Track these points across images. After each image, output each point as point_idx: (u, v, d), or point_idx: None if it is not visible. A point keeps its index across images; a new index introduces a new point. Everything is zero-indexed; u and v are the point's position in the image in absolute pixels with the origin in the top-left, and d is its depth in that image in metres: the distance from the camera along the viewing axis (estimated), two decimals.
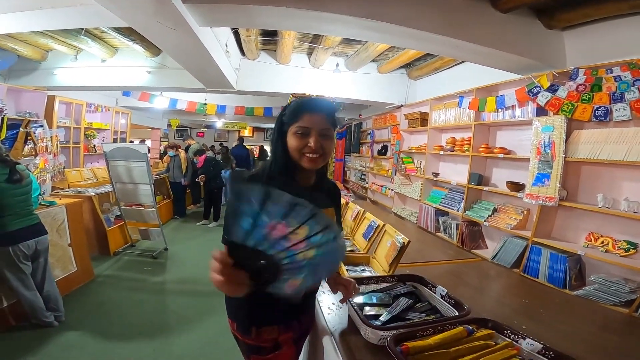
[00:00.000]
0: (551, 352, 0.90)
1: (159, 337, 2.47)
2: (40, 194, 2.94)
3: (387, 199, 5.10)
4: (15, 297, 2.37)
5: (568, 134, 2.31)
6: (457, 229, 3.24)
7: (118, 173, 4.01)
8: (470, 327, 1.05)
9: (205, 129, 13.20)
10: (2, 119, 3.64)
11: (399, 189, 4.50)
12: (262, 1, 1.92)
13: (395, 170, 4.66)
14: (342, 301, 1.17)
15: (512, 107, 2.81)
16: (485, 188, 3.02)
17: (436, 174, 3.81)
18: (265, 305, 1.03)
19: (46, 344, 2.28)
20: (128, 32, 3.22)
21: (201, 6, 1.95)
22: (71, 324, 2.54)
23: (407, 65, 4.38)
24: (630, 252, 1.97)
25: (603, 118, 2.13)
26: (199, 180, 5.78)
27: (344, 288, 1.13)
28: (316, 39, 3.65)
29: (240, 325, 1.07)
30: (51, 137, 3.89)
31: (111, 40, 3.94)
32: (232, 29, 3.39)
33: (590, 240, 2.20)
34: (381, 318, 1.23)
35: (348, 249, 2.19)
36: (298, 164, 0.98)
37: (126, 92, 6.02)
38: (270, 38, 3.72)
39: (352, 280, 1.16)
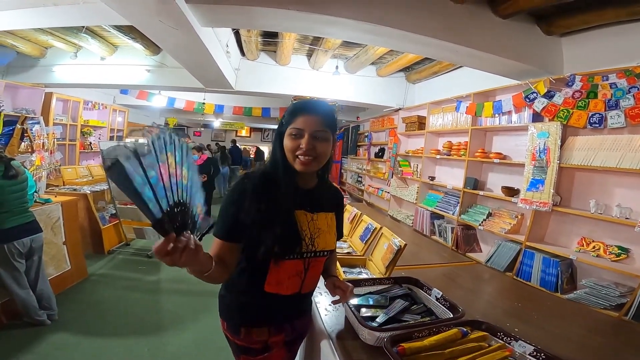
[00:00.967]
0: (542, 354, 0.92)
1: (153, 336, 2.46)
2: (35, 192, 2.93)
3: (383, 202, 5.13)
4: (8, 296, 2.35)
5: (563, 140, 2.34)
6: (452, 232, 3.27)
7: None
8: (465, 329, 1.07)
9: (203, 129, 13.16)
10: None
11: (395, 192, 4.53)
12: (264, 3, 1.94)
13: (392, 173, 4.68)
14: (334, 302, 1.16)
15: (509, 112, 2.84)
16: (481, 192, 3.05)
17: (432, 178, 3.84)
18: (256, 306, 1.03)
19: (39, 343, 2.26)
20: (129, 30, 3.22)
21: (204, 6, 1.96)
22: (64, 322, 2.53)
23: (405, 69, 4.41)
24: (621, 257, 2.01)
25: (598, 125, 2.16)
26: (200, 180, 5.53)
27: (342, 292, 1.13)
28: (316, 40, 3.67)
29: (230, 325, 1.07)
30: (48, 134, 3.86)
31: (111, 38, 3.93)
32: (233, 29, 3.40)
33: (582, 245, 2.24)
34: (377, 320, 1.25)
35: (345, 251, 2.21)
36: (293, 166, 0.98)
37: (124, 90, 5.99)
38: (270, 39, 3.73)
39: (351, 285, 1.16)
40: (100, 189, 4.29)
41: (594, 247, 2.17)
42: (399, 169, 4.46)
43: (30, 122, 3.84)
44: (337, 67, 4.15)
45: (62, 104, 5.03)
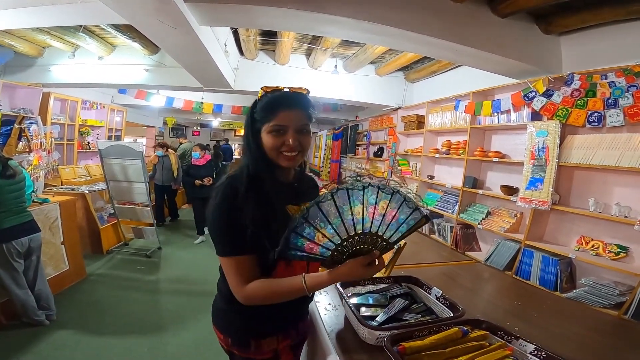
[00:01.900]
0: (543, 353, 0.92)
1: (152, 336, 2.46)
2: (33, 191, 2.91)
3: None
4: (7, 296, 2.34)
5: (562, 139, 2.34)
6: (451, 231, 3.27)
7: (113, 171, 3.98)
8: (465, 328, 1.07)
9: (201, 128, 13.14)
10: None
11: None
12: (263, 2, 1.93)
13: (391, 172, 4.68)
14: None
15: (508, 111, 2.84)
16: (480, 191, 3.05)
17: (431, 177, 3.84)
18: (264, 316, 0.98)
19: (37, 343, 2.26)
20: (127, 30, 3.20)
21: (202, 5, 1.95)
22: (63, 322, 2.52)
23: (404, 68, 4.41)
24: (620, 256, 2.01)
25: (596, 124, 2.16)
26: (205, 183, 4.75)
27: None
28: (315, 40, 3.66)
29: (237, 339, 1.01)
30: (45, 133, 3.85)
31: (109, 37, 3.91)
32: (232, 28, 3.39)
33: (582, 244, 2.24)
34: (377, 319, 1.25)
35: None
36: (275, 162, 0.94)
37: (122, 89, 5.96)
38: (269, 38, 3.72)
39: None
40: (98, 188, 4.28)
41: (593, 245, 2.17)
42: (398, 168, 4.46)
43: (28, 121, 3.82)
44: (335, 66, 4.14)
45: (59, 103, 5.01)
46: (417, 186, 4.00)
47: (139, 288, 3.28)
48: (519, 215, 2.73)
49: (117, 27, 3.12)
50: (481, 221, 2.94)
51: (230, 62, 3.82)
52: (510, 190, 2.72)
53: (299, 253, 0.84)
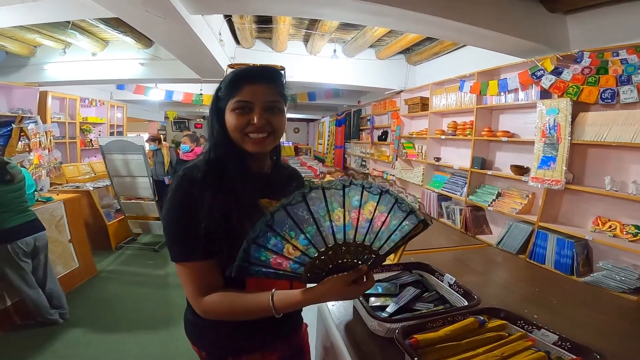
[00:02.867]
0: (568, 343, 0.87)
1: (163, 331, 2.47)
2: (36, 190, 2.90)
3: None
4: (19, 296, 2.36)
5: (574, 117, 2.24)
6: (460, 214, 3.21)
7: (115, 166, 3.96)
8: (482, 318, 1.01)
9: (204, 120, 13.05)
10: None
11: (400, 175, 4.46)
12: None
13: (396, 156, 4.61)
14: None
15: (515, 90, 2.74)
16: (489, 172, 2.97)
17: (438, 159, 3.76)
18: (240, 328, 0.82)
19: (52, 342, 2.28)
20: (117, 24, 3.11)
21: None
22: (76, 320, 2.54)
23: (406, 51, 4.27)
24: (638, 237, 1.94)
25: (610, 100, 2.07)
26: None
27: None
28: (312, 25, 3.54)
29: (211, 356, 0.89)
30: (45, 132, 3.82)
31: (100, 33, 3.82)
32: (225, 16, 3.28)
33: (598, 225, 2.16)
34: (388, 309, 1.20)
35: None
36: (241, 147, 0.80)
37: (120, 85, 5.90)
38: (265, 25, 3.61)
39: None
40: (103, 185, 4.28)
41: (610, 226, 2.10)
42: (403, 151, 4.38)
43: (27, 121, 3.79)
44: (334, 51, 4.03)
45: (58, 102, 4.97)
46: (423, 169, 3.92)
47: (149, 283, 3.30)
48: (530, 196, 2.65)
49: (107, 22, 3.04)
50: (491, 203, 2.87)
51: (227, 51, 3.72)
52: (521, 170, 2.64)
53: (263, 269, 0.68)
